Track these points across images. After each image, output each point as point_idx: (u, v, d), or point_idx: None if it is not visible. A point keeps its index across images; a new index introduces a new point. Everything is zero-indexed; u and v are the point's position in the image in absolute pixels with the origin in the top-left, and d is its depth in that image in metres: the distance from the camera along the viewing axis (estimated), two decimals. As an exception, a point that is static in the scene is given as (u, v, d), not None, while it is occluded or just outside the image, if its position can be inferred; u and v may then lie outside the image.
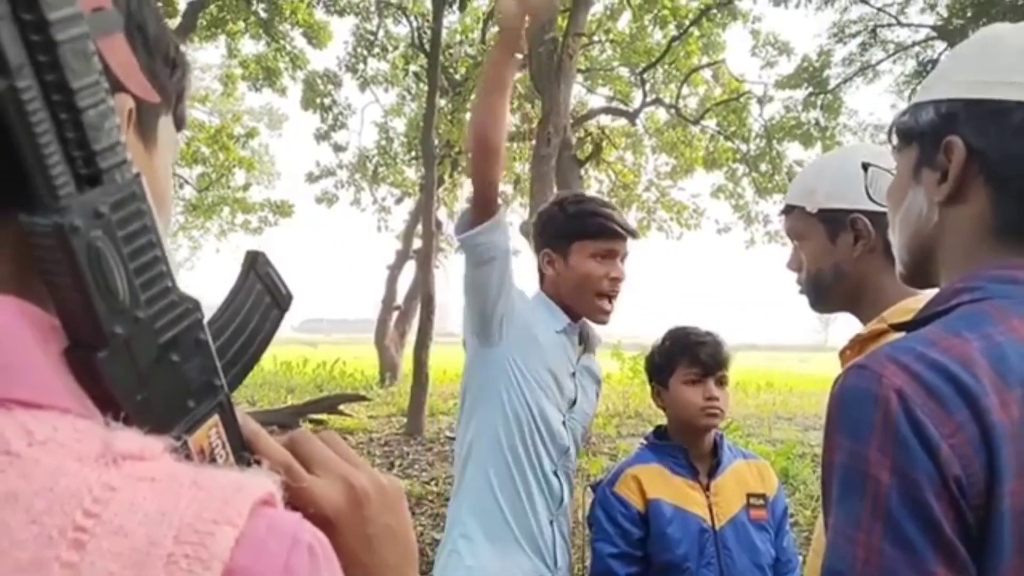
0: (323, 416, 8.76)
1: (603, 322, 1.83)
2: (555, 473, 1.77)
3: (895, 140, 0.90)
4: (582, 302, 1.80)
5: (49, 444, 0.34)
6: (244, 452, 0.47)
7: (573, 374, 1.83)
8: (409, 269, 14.76)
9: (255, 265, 0.55)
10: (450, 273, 14.87)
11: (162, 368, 0.41)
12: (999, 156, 0.77)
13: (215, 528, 0.34)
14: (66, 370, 0.38)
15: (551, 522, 1.77)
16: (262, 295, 0.55)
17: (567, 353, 1.83)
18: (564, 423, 1.79)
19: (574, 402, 1.83)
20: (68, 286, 0.37)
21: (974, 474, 0.66)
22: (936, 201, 0.83)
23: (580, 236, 1.78)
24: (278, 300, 0.56)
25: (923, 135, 0.84)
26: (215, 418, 0.45)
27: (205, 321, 0.45)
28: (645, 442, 2.00)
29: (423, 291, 9.93)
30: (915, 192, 0.86)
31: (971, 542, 0.66)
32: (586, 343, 1.90)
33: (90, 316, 0.37)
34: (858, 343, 1.25)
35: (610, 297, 1.79)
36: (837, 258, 1.30)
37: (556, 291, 1.83)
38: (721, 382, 1.91)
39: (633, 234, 1.84)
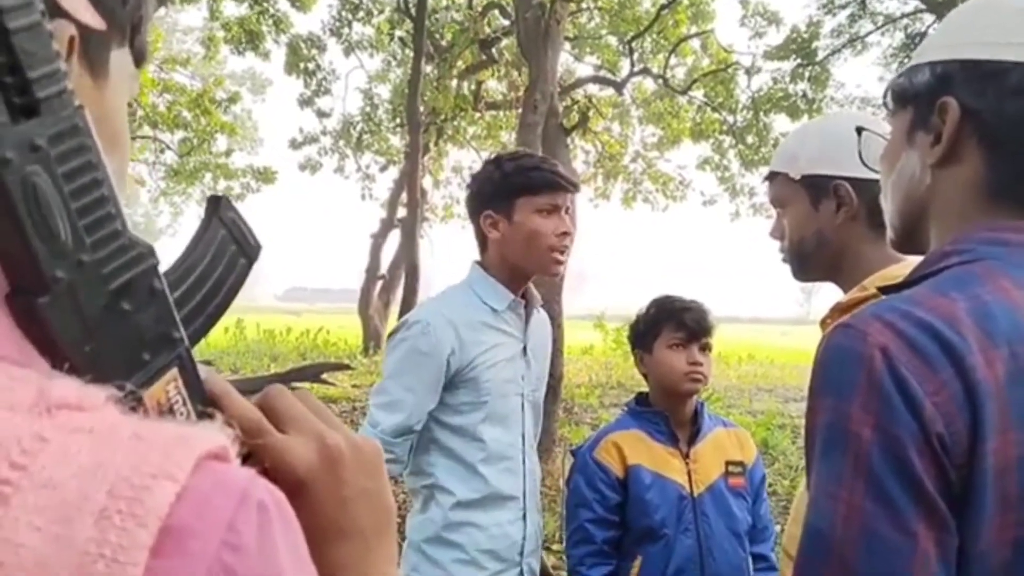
0: (306, 384, 8.76)
1: (556, 275, 1.78)
2: (522, 461, 1.77)
3: (890, 103, 0.89)
4: (533, 259, 1.73)
5: None
6: (208, 408, 0.44)
7: (524, 348, 1.79)
8: (393, 238, 14.69)
9: (218, 211, 0.51)
10: (435, 243, 14.84)
11: (112, 317, 0.38)
12: (994, 117, 0.76)
13: (153, 482, 0.31)
14: (5, 316, 0.35)
15: (521, 517, 1.76)
16: (227, 243, 0.51)
17: (515, 332, 1.78)
18: (523, 404, 1.78)
19: (524, 378, 1.79)
20: (3, 226, 0.34)
21: (957, 432, 0.65)
22: (929, 163, 0.82)
23: (523, 192, 1.71)
24: (245, 249, 0.52)
25: (918, 96, 0.83)
26: (173, 372, 0.42)
27: (162, 269, 0.42)
28: (626, 408, 2.01)
29: (407, 261, 9.90)
30: (908, 155, 0.86)
31: (953, 499, 0.66)
32: (529, 306, 1.83)
33: (28, 258, 0.34)
34: (838, 311, 1.25)
35: (561, 251, 1.74)
36: (819, 225, 1.30)
37: (502, 253, 1.75)
38: (705, 348, 1.91)
39: (575, 186, 1.79)
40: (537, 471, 1.82)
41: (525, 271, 1.77)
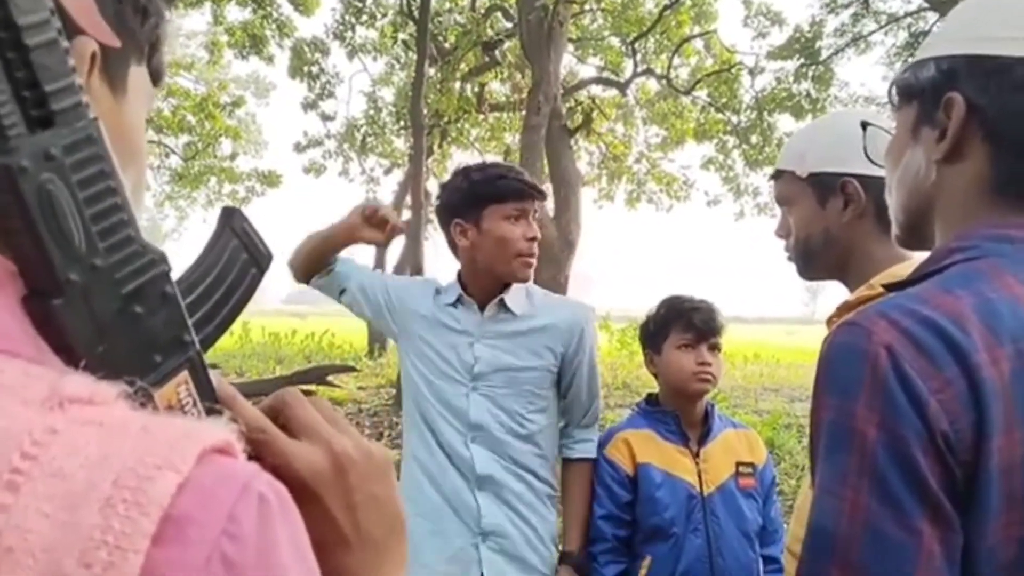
0: (312, 387, 8.76)
1: (526, 279, 1.81)
2: (465, 445, 1.78)
3: (895, 98, 0.89)
4: (502, 264, 1.77)
5: None
6: (217, 411, 0.45)
7: (472, 344, 1.81)
8: (398, 241, 14.69)
9: (231, 221, 0.53)
10: (439, 245, 14.82)
11: (124, 320, 0.39)
12: (999, 113, 0.76)
13: (157, 473, 0.32)
14: (23, 317, 0.37)
15: (472, 492, 1.77)
16: (238, 252, 0.53)
17: (464, 325, 1.83)
18: (467, 395, 1.79)
19: (480, 371, 1.79)
20: (20, 231, 0.35)
21: (962, 430, 0.65)
22: (934, 159, 0.82)
23: (490, 200, 1.76)
24: (256, 258, 0.54)
25: (923, 92, 0.83)
26: (184, 374, 0.43)
27: (174, 276, 0.43)
28: (637, 408, 2.01)
29: (412, 263, 9.89)
30: (913, 151, 0.85)
31: (958, 498, 0.66)
32: (503, 301, 1.82)
33: (43, 262, 0.36)
34: (845, 309, 1.25)
35: (530, 255, 1.78)
36: (826, 223, 1.29)
37: (473, 259, 1.81)
38: (714, 348, 1.91)
39: (542, 194, 1.83)
40: (497, 462, 1.77)
41: (496, 275, 1.81)
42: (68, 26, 0.38)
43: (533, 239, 1.77)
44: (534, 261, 1.79)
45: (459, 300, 1.84)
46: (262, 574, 0.34)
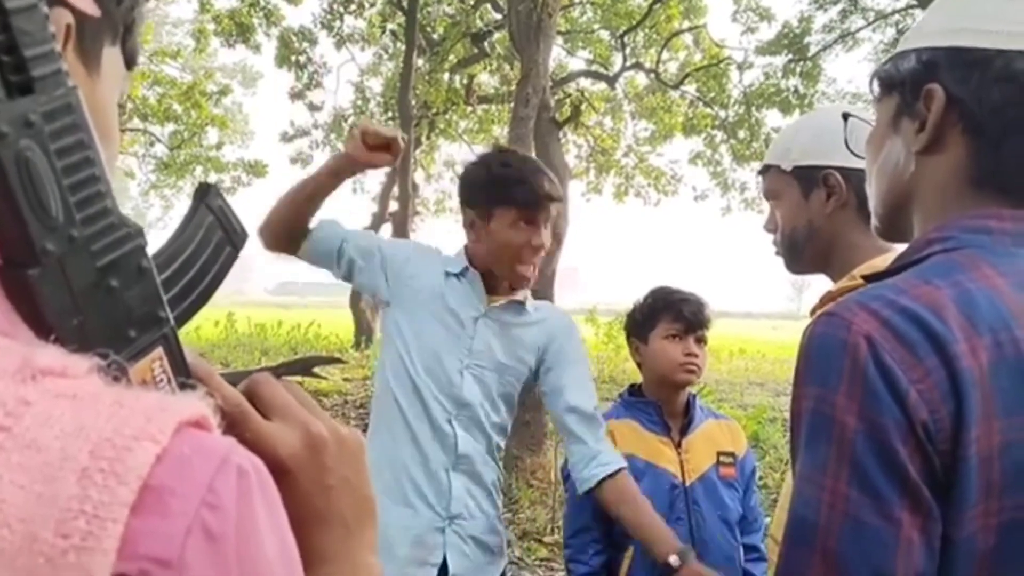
0: (298, 378, 8.73)
1: (524, 286, 1.79)
2: (448, 422, 1.74)
3: (876, 90, 0.89)
4: (500, 267, 1.76)
5: None
6: (191, 386, 0.45)
7: (476, 319, 1.78)
8: (385, 232, 14.64)
9: (206, 198, 0.53)
10: (426, 237, 14.79)
11: (100, 293, 0.39)
12: (978, 105, 0.76)
13: (134, 443, 0.32)
14: None
15: (446, 471, 1.74)
16: (213, 229, 0.53)
17: (469, 298, 1.79)
18: (462, 371, 1.75)
19: (478, 349, 1.77)
20: None
21: (941, 420, 0.66)
22: (914, 151, 0.82)
23: (503, 203, 1.72)
24: (231, 237, 0.54)
25: (903, 83, 0.83)
26: (159, 351, 0.43)
27: (150, 252, 0.43)
28: (619, 398, 2.02)
29: (399, 254, 9.85)
30: (893, 142, 0.86)
31: (937, 487, 0.66)
32: (515, 293, 1.82)
33: (19, 231, 0.35)
34: (828, 300, 1.26)
35: (530, 265, 1.74)
36: (810, 215, 1.31)
37: (477, 251, 1.79)
38: (700, 341, 1.92)
39: (558, 199, 1.77)
40: (475, 444, 1.76)
41: (494, 274, 1.79)
42: None
43: (539, 247, 1.73)
44: (533, 270, 1.76)
45: (464, 272, 1.79)
46: (242, 545, 0.34)
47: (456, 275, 1.79)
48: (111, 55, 0.50)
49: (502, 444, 1.86)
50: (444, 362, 1.75)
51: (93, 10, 0.44)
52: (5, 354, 0.34)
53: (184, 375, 0.45)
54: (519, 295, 1.82)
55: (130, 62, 0.54)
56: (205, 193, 0.53)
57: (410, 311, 1.78)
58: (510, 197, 1.71)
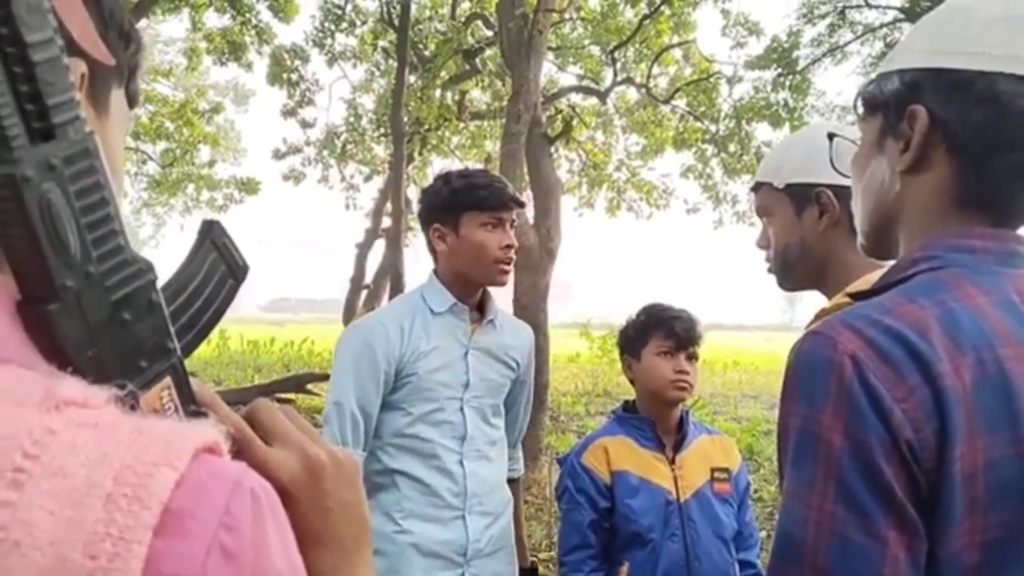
0: (291, 395, 8.70)
1: (502, 283, 1.87)
2: (460, 463, 1.81)
3: (860, 109, 0.90)
4: (479, 269, 1.83)
5: None
6: (201, 414, 0.47)
7: (465, 355, 1.85)
8: (378, 248, 14.64)
9: (211, 234, 0.56)
10: (420, 252, 14.78)
11: (114, 326, 0.41)
12: (961, 126, 0.77)
13: (155, 470, 0.34)
14: (15, 323, 0.38)
15: (463, 516, 1.81)
16: (217, 264, 0.56)
17: (455, 334, 1.85)
18: (462, 408, 1.83)
19: (468, 384, 1.84)
20: (19, 237, 0.37)
21: (926, 438, 0.67)
22: (898, 170, 0.83)
23: (469, 207, 1.81)
24: (233, 270, 0.57)
25: (887, 104, 0.84)
26: (167, 380, 0.45)
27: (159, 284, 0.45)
28: (613, 415, 2.03)
29: (392, 270, 9.87)
30: (878, 161, 0.87)
31: (922, 504, 0.67)
32: (486, 314, 1.91)
33: (41, 268, 0.37)
34: (822, 317, 1.27)
35: (506, 262, 1.83)
36: (803, 233, 1.32)
37: (450, 263, 1.85)
38: (692, 357, 1.93)
39: (520, 204, 1.89)
40: (488, 476, 1.85)
41: (473, 280, 1.86)
42: (67, 45, 0.40)
43: (509, 247, 1.83)
44: (510, 267, 1.85)
45: (452, 308, 1.85)
46: (257, 563, 0.36)
47: (442, 313, 1.84)
48: (117, 97, 0.54)
49: (503, 446, 1.96)
50: (446, 405, 1.81)
51: (108, 60, 0.48)
52: (29, 385, 0.36)
53: (191, 402, 0.47)
54: (489, 313, 1.90)
55: (132, 102, 0.57)
56: (209, 230, 0.56)
57: (406, 381, 1.81)
58: (476, 199, 1.81)
